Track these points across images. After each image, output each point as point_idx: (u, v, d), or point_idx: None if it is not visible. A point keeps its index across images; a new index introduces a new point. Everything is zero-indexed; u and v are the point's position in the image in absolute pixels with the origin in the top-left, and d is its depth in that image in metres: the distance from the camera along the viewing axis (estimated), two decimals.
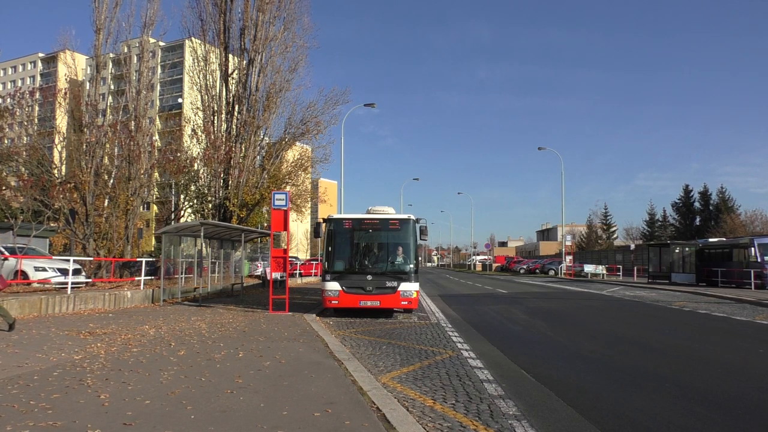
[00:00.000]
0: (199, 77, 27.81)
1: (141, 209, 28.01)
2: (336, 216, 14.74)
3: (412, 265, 14.13)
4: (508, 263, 73.32)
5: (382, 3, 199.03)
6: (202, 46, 27.95)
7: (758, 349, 10.31)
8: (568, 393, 6.75)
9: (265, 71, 27.31)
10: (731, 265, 29.30)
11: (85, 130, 22.86)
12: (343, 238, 14.47)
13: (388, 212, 15.09)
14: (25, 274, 16.33)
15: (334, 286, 13.93)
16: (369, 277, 13.91)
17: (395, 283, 13.85)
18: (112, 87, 43.02)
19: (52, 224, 23.34)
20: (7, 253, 16.83)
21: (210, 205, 27.83)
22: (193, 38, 28.18)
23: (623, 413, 6.01)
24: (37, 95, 25.54)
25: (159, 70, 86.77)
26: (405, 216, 14.54)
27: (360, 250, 14.70)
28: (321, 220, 14.80)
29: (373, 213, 15.06)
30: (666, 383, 7.34)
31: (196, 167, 28.09)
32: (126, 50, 26.35)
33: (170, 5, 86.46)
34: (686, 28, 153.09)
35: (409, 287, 13.88)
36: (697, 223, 67.19)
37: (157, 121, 68.09)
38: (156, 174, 27.60)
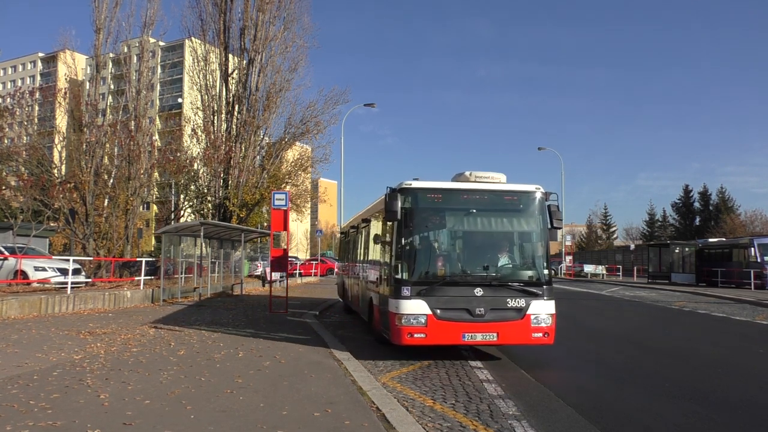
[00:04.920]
0: (199, 77, 27.84)
1: (141, 209, 28.04)
2: (418, 185, 8.59)
3: (546, 271, 8.74)
4: None
5: (381, 1, 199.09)
6: (202, 46, 27.98)
7: (758, 349, 10.31)
8: (568, 393, 6.75)
9: (265, 71, 27.36)
10: (731, 265, 29.30)
11: (85, 129, 22.88)
12: (431, 223, 8.82)
13: (497, 180, 9.31)
14: (24, 274, 16.33)
15: (417, 307, 8.13)
16: (478, 292, 8.28)
17: (521, 302, 8.38)
18: (112, 87, 43.06)
19: (52, 224, 23.35)
20: (7, 253, 16.85)
21: (210, 205, 27.86)
22: (193, 38, 28.22)
23: (623, 413, 6.02)
24: (37, 95, 25.60)
25: (159, 70, 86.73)
26: (530, 187, 8.89)
27: (459, 243, 9.14)
28: (393, 189, 8.59)
29: (476, 181, 9.19)
30: (666, 383, 7.34)
31: (196, 167, 28.12)
32: (126, 50, 26.41)
33: (170, 5, 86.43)
34: (687, 27, 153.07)
35: (544, 309, 8.48)
36: (697, 223, 67.16)
37: (157, 121, 68.08)
38: (156, 174, 27.65)
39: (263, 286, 26.59)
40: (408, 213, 8.37)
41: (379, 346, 9.98)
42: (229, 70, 27.68)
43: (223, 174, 27.29)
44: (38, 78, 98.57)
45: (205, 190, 28.25)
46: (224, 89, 27.73)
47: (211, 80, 27.79)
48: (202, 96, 27.87)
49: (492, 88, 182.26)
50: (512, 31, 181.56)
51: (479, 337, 8.28)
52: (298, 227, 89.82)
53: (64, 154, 24.58)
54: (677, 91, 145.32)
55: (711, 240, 35.82)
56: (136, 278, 19.38)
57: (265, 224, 32.06)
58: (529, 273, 8.75)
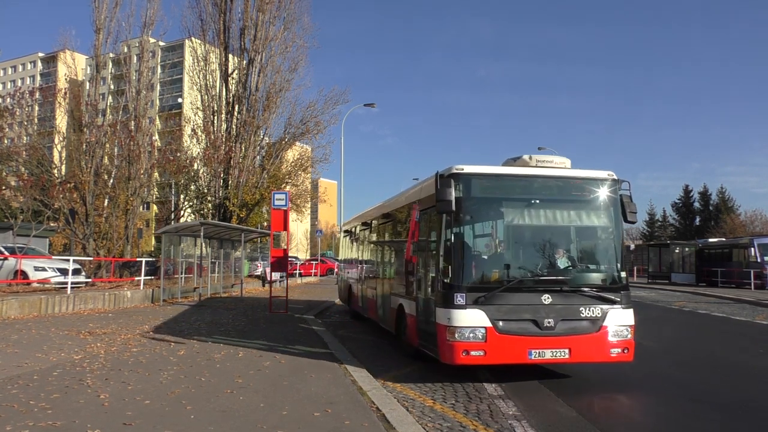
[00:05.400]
0: (199, 77, 27.86)
1: (141, 209, 28.05)
2: (472, 169, 7.25)
3: (623, 273, 7.59)
4: None
5: (381, 1, 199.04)
6: (202, 46, 27.99)
7: (758, 349, 10.32)
8: (568, 392, 6.75)
9: (265, 71, 27.38)
10: (731, 265, 29.30)
11: (85, 130, 22.89)
12: (488, 216, 7.72)
13: (561, 164, 7.89)
14: (24, 274, 16.33)
15: (474, 318, 6.82)
16: (546, 299, 7.01)
17: (597, 311, 7.08)
18: (112, 87, 43.05)
19: (52, 224, 23.35)
20: (7, 253, 16.85)
21: (210, 205, 27.87)
22: (193, 38, 28.24)
23: (621, 412, 6.02)
24: (37, 95, 25.62)
25: (159, 70, 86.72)
26: (601, 174, 7.65)
27: (521, 239, 7.67)
28: (443, 175, 7.14)
29: (538, 166, 7.79)
30: (665, 383, 7.35)
31: (196, 167, 28.13)
32: (126, 50, 26.42)
33: (170, 5, 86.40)
34: (688, 26, 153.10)
35: (623, 319, 7.21)
36: (697, 223, 67.24)
37: (157, 121, 68.07)
38: (156, 174, 27.66)
39: (263, 286, 26.60)
40: (460, 204, 6.98)
41: (380, 346, 9.97)
42: (229, 70, 27.69)
43: (223, 174, 27.30)
44: (38, 78, 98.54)
45: (205, 190, 28.26)
46: (224, 89, 27.75)
47: (211, 80, 27.81)
48: (202, 96, 27.89)
49: (492, 88, 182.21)
50: (512, 31, 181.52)
51: (548, 355, 6.90)
52: (298, 227, 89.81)
53: (64, 154, 24.58)
54: (677, 91, 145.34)
55: (711, 240, 35.85)
56: (136, 278, 19.38)
57: (265, 224, 32.07)
58: (604, 275, 7.48)
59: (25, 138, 24.79)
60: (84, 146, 22.52)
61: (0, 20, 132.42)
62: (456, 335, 6.76)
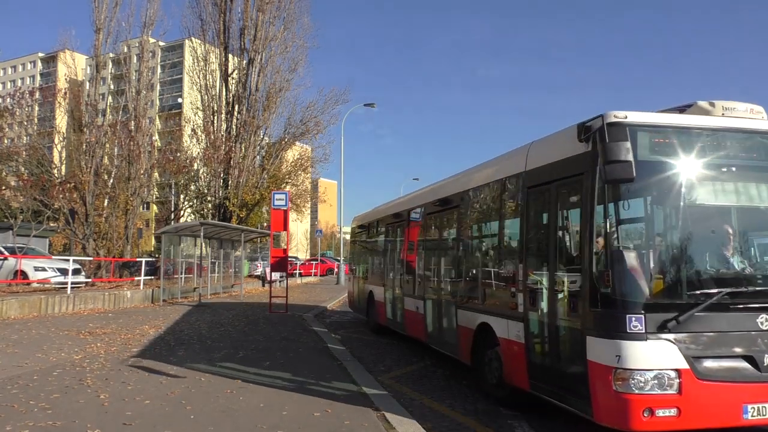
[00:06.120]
0: (199, 77, 27.89)
1: (141, 209, 28.07)
2: (638, 118, 4.46)
3: None
4: None
5: (381, 1, 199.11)
6: (202, 46, 28.02)
7: None
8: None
9: (265, 71, 27.43)
10: None
11: (85, 130, 22.92)
12: (666, 189, 4.64)
13: (759, 114, 5.01)
14: (24, 274, 16.34)
15: (661, 355, 4.19)
16: (763, 321, 4.35)
17: None
18: (111, 87, 43.05)
19: (52, 224, 23.37)
20: (7, 253, 16.86)
21: (210, 205, 27.91)
22: (193, 38, 28.31)
23: None
24: (37, 95, 25.68)
25: (159, 70, 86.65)
26: None
27: (718, 228, 4.78)
28: (607, 125, 4.37)
29: (726, 114, 4.88)
30: None
31: (195, 167, 28.17)
32: (126, 50, 26.45)
33: (170, 5, 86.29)
34: (688, 26, 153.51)
35: None
36: None
37: (157, 121, 68.06)
38: (156, 174, 27.69)
39: (263, 286, 26.59)
40: (638, 170, 4.27)
41: (380, 346, 9.96)
42: (229, 70, 27.73)
43: (223, 174, 27.33)
44: (38, 78, 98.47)
45: (205, 190, 28.29)
46: (224, 89, 27.78)
47: (211, 80, 27.85)
48: (202, 96, 27.92)
49: (492, 88, 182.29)
50: (512, 30, 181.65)
51: None
52: (298, 227, 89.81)
53: (64, 154, 24.62)
54: (677, 90, 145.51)
55: None
56: (136, 278, 19.39)
57: (265, 224, 32.08)
58: None
59: (25, 138, 24.84)
60: (84, 146, 22.54)
61: (0, 20, 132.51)
62: (631, 383, 4.17)
